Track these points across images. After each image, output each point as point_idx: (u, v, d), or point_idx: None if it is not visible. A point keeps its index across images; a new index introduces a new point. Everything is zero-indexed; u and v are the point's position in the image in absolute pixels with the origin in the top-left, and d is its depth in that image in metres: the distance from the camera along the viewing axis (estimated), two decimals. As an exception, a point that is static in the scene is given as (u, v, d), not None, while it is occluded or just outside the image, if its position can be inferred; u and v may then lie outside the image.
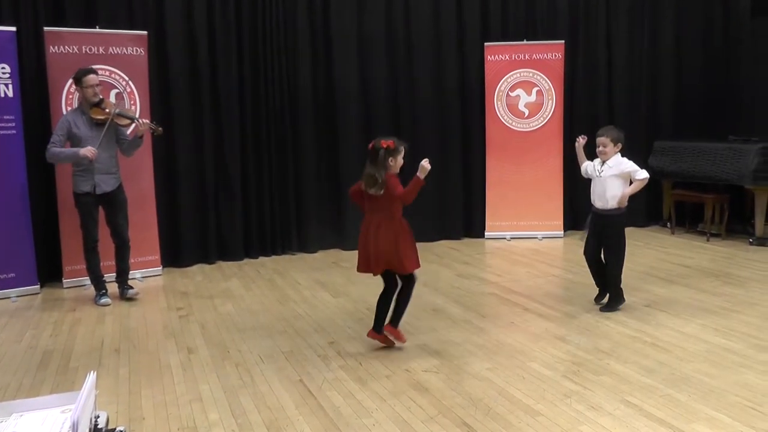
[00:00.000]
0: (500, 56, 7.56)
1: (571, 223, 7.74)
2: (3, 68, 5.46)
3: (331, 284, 5.86)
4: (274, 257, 6.97)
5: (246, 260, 6.85)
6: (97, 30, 5.92)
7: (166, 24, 6.41)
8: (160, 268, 6.35)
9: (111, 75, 5.93)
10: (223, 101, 6.68)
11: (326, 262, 6.73)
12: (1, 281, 5.55)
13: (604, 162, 4.81)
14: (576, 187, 7.41)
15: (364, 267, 4.12)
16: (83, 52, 5.80)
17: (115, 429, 1.82)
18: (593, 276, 5.02)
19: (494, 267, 6.45)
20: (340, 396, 3.54)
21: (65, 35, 5.77)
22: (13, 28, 5.58)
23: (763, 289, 5.40)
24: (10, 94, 5.51)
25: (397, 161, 4.03)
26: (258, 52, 6.78)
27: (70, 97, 5.75)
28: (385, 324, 4.18)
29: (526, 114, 7.60)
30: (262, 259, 6.91)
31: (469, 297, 5.38)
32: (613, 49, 8.08)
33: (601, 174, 4.79)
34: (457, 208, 7.72)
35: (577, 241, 7.32)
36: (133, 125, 5.45)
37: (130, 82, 6.00)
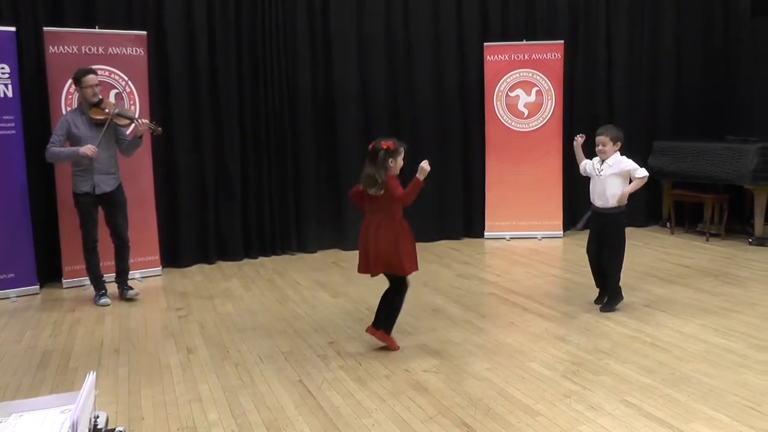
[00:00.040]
0: (500, 56, 7.56)
1: (571, 223, 7.74)
2: (2, 68, 5.46)
3: (331, 284, 5.86)
4: (274, 257, 6.97)
5: (245, 260, 6.85)
6: (97, 30, 5.92)
7: (165, 24, 6.41)
8: (160, 268, 6.35)
9: (110, 75, 5.93)
10: (222, 101, 6.68)
11: (326, 263, 6.73)
12: (0, 281, 5.55)
13: (603, 161, 4.81)
14: (575, 187, 7.42)
15: (363, 268, 4.12)
16: (83, 52, 5.80)
17: (114, 429, 1.82)
18: (594, 276, 5.02)
19: (494, 267, 6.45)
20: (339, 396, 3.54)
21: (65, 35, 5.77)
22: (13, 28, 5.58)
23: (762, 289, 5.41)
24: (10, 94, 5.51)
25: (397, 162, 4.03)
26: (258, 52, 6.78)
27: (70, 97, 5.75)
28: (378, 331, 4.18)
29: (526, 114, 7.60)
30: (261, 259, 6.91)
31: (469, 297, 5.39)
32: (612, 49, 8.08)
33: (601, 173, 4.79)
34: (456, 208, 7.72)
35: (577, 241, 7.34)
36: (133, 125, 5.45)
37: (130, 83, 5.99)
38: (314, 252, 7.16)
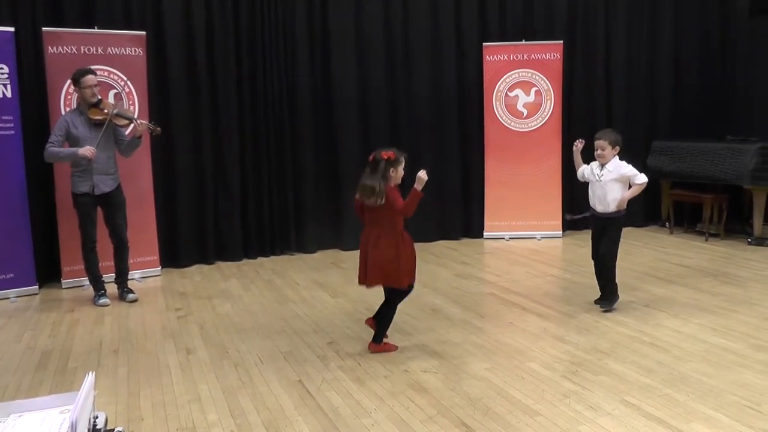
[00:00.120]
0: (499, 56, 7.56)
1: (570, 223, 7.74)
2: (1, 69, 5.46)
3: (330, 284, 5.86)
4: (273, 257, 6.97)
5: (245, 261, 6.85)
6: (96, 30, 5.92)
7: (164, 24, 6.40)
8: (159, 268, 6.34)
9: (109, 75, 5.93)
10: (221, 102, 6.68)
11: (325, 263, 6.73)
12: (-1, 282, 5.56)
13: (602, 165, 4.80)
14: (574, 187, 7.40)
15: (362, 278, 4.13)
16: (82, 52, 5.80)
17: (113, 429, 1.82)
18: (597, 279, 5.01)
19: (493, 267, 6.45)
20: (338, 396, 3.54)
21: (64, 35, 5.77)
22: (12, 29, 5.58)
23: (761, 289, 5.41)
24: (9, 94, 5.51)
25: (398, 172, 4.01)
26: (257, 52, 6.77)
27: (69, 97, 5.75)
28: (369, 344, 4.18)
29: (525, 114, 7.60)
30: (260, 259, 6.91)
31: (468, 297, 5.39)
32: (611, 49, 8.09)
33: (601, 178, 4.79)
34: (455, 208, 7.72)
35: (576, 242, 7.35)
36: (132, 126, 5.45)
37: (129, 83, 5.99)
38: (313, 252, 7.16)
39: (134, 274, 5.99)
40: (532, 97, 7.58)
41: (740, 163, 6.96)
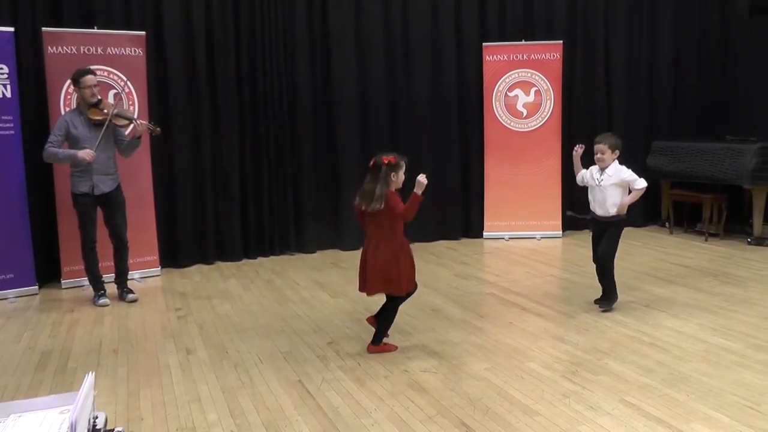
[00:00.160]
0: (498, 56, 7.56)
1: (570, 223, 7.74)
2: (1, 69, 5.46)
3: (330, 284, 5.86)
4: (273, 257, 6.97)
5: (244, 261, 6.85)
6: (96, 30, 5.92)
7: (164, 24, 6.40)
8: (159, 268, 6.34)
9: (109, 75, 5.93)
10: (221, 102, 6.68)
11: (324, 263, 6.73)
12: (-1, 282, 5.56)
13: (602, 170, 4.80)
14: (574, 188, 7.39)
15: (362, 285, 4.14)
16: (81, 52, 5.79)
17: (113, 430, 1.82)
18: (600, 281, 5.01)
19: (492, 267, 6.45)
20: (338, 396, 3.54)
21: (63, 36, 5.76)
22: (11, 29, 5.58)
23: (761, 289, 5.41)
24: (8, 94, 5.51)
25: (399, 176, 4.01)
26: (256, 52, 6.77)
27: (69, 97, 5.75)
28: (368, 345, 4.18)
29: (525, 114, 7.60)
30: (260, 259, 6.91)
31: (468, 297, 5.39)
32: (611, 49, 8.09)
33: (601, 183, 4.79)
34: (455, 208, 7.72)
35: (576, 242, 7.35)
36: (132, 126, 5.45)
37: (129, 83, 5.99)
38: (313, 252, 7.16)
39: (134, 274, 5.99)
40: (531, 97, 7.58)
41: (740, 163, 6.96)
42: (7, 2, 5.82)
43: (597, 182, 4.81)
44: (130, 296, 5.45)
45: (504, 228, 7.66)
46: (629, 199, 4.77)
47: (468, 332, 4.51)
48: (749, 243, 7.09)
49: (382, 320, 4.18)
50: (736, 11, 8.39)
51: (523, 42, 7.58)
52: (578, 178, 5.05)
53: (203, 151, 6.65)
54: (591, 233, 5.06)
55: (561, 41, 7.58)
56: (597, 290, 5.03)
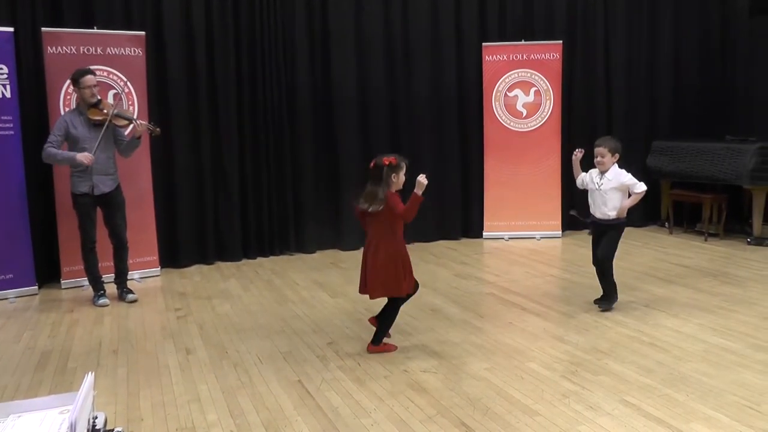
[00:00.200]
0: (498, 56, 7.56)
1: (570, 222, 7.74)
2: (1, 69, 5.46)
3: (329, 284, 5.86)
4: (272, 258, 6.97)
5: (244, 261, 6.85)
6: (95, 30, 5.92)
7: (164, 25, 6.40)
8: (159, 268, 6.34)
9: (109, 75, 5.93)
10: (221, 102, 6.68)
11: (324, 263, 6.73)
12: (-1, 282, 5.55)
13: (602, 173, 4.80)
14: (574, 189, 7.39)
15: (363, 288, 4.14)
16: (81, 52, 5.79)
17: (113, 430, 1.82)
18: (600, 280, 5.01)
19: (492, 267, 6.45)
20: (338, 396, 3.54)
21: (63, 36, 5.76)
22: (11, 29, 5.57)
23: (760, 289, 5.41)
24: (8, 94, 5.51)
25: (399, 177, 4.02)
26: (256, 52, 6.77)
27: (68, 97, 5.75)
28: (368, 345, 4.18)
29: (524, 114, 7.60)
30: (260, 259, 6.91)
31: (467, 297, 5.39)
32: (611, 49, 8.09)
33: (601, 186, 4.79)
34: (455, 208, 7.72)
35: (576, 242, 7.35)
36: (131, 126, 5.45)
37: (128, 83, 5.99)
38: (313, 252, 7.16)
39: (134, 274, 5.99)
40: (531, 97, 7.58)
41: (740, 163, 6.96)
42: (7, 2, 5.82)
43: (597, 186, 4.82)
44: (130, 296, 5.45)
45: (504, 228, 7.66)
46: (629, 203, 4.78)
47: (468, 332, 4.51)
48: (749, 243, 7.09)
49: (384, 319, 4.18)
50: (736, 11, 8.39)
51: (523, 42, 7.58)
52: (578, 182, 5.06)
53: (203, 152, 6.65)
54: (591, 237, 5.07)
55: (561, 41, 7.58)
56: (597, 290, 5.03)
